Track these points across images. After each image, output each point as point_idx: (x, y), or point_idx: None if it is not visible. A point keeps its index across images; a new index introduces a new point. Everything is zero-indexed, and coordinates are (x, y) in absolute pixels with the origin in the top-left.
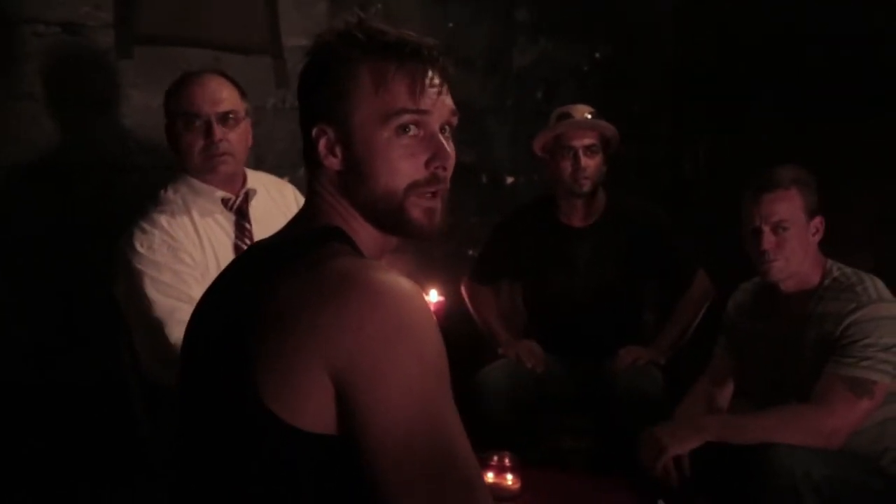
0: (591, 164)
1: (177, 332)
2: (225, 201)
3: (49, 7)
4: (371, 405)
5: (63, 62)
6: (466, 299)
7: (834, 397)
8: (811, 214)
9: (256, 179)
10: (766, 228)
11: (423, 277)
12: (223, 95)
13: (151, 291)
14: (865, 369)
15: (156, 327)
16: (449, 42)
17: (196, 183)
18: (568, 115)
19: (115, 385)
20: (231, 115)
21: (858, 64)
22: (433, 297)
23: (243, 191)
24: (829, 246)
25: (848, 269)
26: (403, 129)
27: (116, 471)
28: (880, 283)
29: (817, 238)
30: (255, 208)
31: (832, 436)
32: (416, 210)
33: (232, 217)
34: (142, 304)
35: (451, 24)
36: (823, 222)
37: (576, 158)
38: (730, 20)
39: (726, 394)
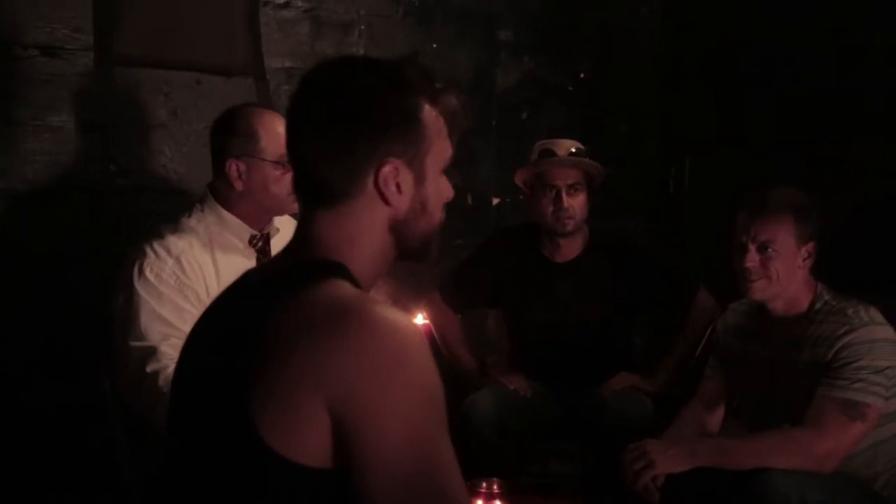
0: (574, 203)
1: (155, 365)
2: (252, 238)
3: (27, 30)
4: (368, 438)
5: (42, 85)
6: (430, 320)
7: (827, 420)
8: (803, 240)
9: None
10: (752, 247)
11: (409, 301)
12: None
13: (145, 321)
14: (858, 391)
15: (137, 356)
16: (432, 63)
17: (227, 215)
18: (551, 152)
19: (94, 411)
20: None
21: (842, 84)
22: (419, 320)
23: (268, 228)
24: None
25: (839, 293)
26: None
27: (94, 495)
28: (871, 307)
29: (808, 263)
30: (275, 246)
31: (825, 459)
32: (437, 240)
33: (253, 254)
34: (131, 330)
35: (434, 45)
36: (815, 248)
37: (558, 197)
38: (714, 39)
39: (717, 417)
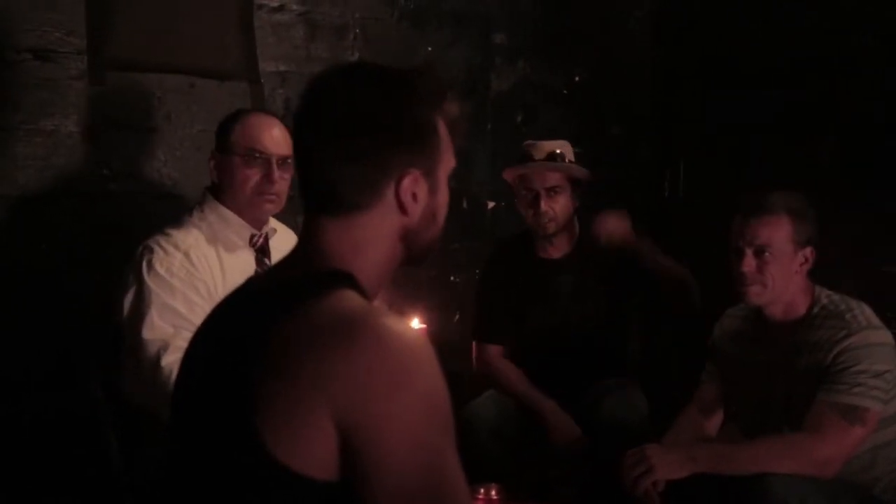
0: (554, 206)
1: (169, 358)
2: (252, 237)
3: (19, 34)
4: (374, 449)
5: (34, 89)
6: (490, 371)
7: (826, 425)
8: (800, 244)
9: (273, 221)
10: (749, 251)
11: (405, 305)
12: (284, 139)
13: (158, 314)
14: (857, 396)
15: (151, 349)
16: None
17: (228, 213)
18: (529, 155)
19: (87, 418)
20: (288, 161)
21: (839, 88)
22: (415, 324)
23: (266, 229)
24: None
25: (836, 296)
26: None
27: (92, 501)
28: (868, 309)
29: (805, 268)
30: (274, 248)
31: (826, 464)
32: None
33: (252, 253)
34: (144, 323)
35: (429, 49)
36: (814, 252)
37: (536, 201)
38: (709, 43)
39: (715, 422)
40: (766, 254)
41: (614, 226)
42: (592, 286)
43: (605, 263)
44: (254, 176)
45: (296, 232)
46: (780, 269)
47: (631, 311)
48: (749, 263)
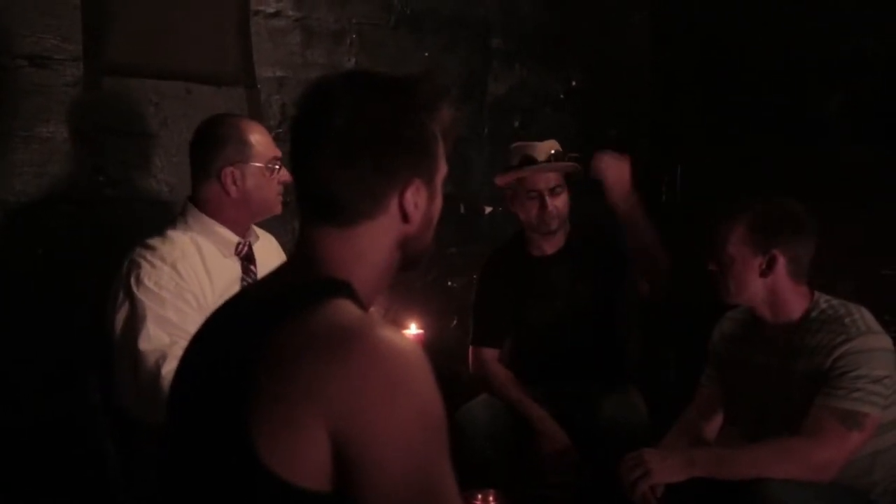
0: (557, 204)
1: (169, 366)
2: (237, 245)
3: (15, 40)
4: (370, 464)
5: (30, 96)
6: (484, 374)
7: (824, 430)
8: (760, 249)
9: (254, 226)
10: (715, 252)
11: (402, 309)
12: None
13: (153, 325)
14: (856, 401)
15: (150, 360)
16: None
17: (214, 224)
18: (531, 157)
19: (84, 422)
20: None
21: (836, 92)
22: (412, 329)
23: (249, 237)
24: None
25: (835, 301)
26: None
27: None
28: (868, 314)
29: (772, 273)
30: (258, 253)
31: (824, 469)
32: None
33: (237, 261)
34: (140, 335)
35: (425, 53)
36: (779, 259)
37: (542, 202)
38: (706, 47)
39: (714, 425)
40: (724, 255)
41: (615, 177)
42: (588, 276)
43: (596, 248)
44: (276, 182)
45: (280, 237)
46: (734, 272)
47: (625, 281)
48: (712, 265)
